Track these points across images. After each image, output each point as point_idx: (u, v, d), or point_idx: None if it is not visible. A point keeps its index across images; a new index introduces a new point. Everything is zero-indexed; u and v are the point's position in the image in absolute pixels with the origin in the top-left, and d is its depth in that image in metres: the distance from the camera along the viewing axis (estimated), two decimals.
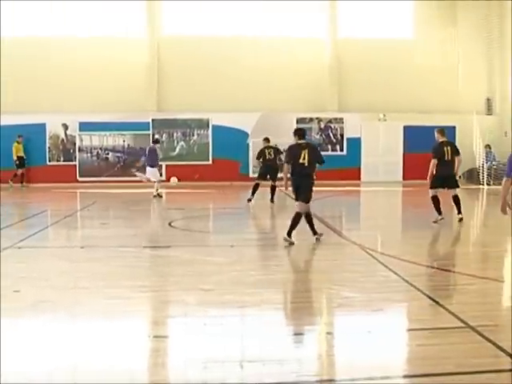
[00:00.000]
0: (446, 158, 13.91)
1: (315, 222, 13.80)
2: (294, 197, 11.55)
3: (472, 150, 26.09)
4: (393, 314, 7.19)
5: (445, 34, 27.14)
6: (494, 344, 5.72)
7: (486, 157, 25.62)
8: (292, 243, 10.94)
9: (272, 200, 18.48)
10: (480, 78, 27.78)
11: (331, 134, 25.87)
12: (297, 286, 8.12)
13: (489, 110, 27.97)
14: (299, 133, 11.65)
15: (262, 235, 12.65)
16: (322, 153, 19.83)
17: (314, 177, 11.43)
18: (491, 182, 24.57)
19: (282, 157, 16.18)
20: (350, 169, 25.63)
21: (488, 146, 25.92)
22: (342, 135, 25.87)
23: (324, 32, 26.76)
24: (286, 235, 11.01)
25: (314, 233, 11.47)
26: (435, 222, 13.68)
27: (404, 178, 25.97)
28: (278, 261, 9.82)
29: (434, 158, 13.95)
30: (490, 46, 27.59)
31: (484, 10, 27.23)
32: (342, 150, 26.00)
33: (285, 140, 24.75)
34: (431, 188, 13.92)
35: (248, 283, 8.15)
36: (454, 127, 24.37)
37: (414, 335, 6.35)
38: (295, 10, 26.42)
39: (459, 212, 13.98)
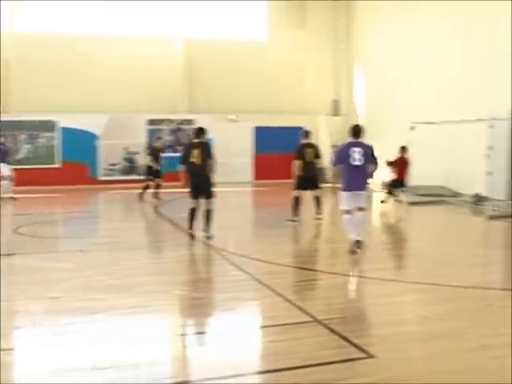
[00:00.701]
0: (307, 159, 14.20)
1: (166, 223, 13.78)
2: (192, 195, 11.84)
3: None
4: (245, 313, 7.32)
5: (295, 35, 27.76)
6: (340, 335, 5.99)
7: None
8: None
9: (140, 195, 18.98)
10: (327, 79, 28.72)
11: (182, 136, 25.84)
12: (148, 288, 8.05)
13: (335, 110, 29.00)
14: (194, 131, 12.35)
15: (111, 239, 12.40)
16: (173, 154, 19.92)
17: (211, 173, 11.84)
18: (338, 181, 25.44)
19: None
20: None
21: (335, 146, 26.83)
22: None
23: (175, 32, 26.66)
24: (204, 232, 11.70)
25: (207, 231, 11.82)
26: (289, 220, 13.94)
27: (255, 178, 26.39)
28: (129, 264, 9.68)
29: (295, 159, 14.23)
30: (336, 47, 28.57)
31: (332, 11, 28.18)
32: None
33: (136, 141, 24.60)
34: (295, 189, 14.14)
35: (98, 288, 8.01)
36: (303, 128, 25.02)
37: (266, 332, 6.51)
38: (146, 9, 26.17)
39: (318, 213, 14.37)
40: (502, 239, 13.33)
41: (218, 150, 25.96)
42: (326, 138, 26.09)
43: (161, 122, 25.61)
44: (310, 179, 14.13)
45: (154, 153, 19.49)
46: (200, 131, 12.16)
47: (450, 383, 4.93)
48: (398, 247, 12.26)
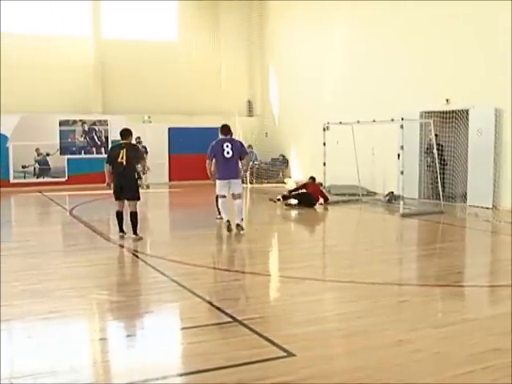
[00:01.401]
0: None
1: (82, 226, 13.53)
2: (115, 196, 11.98)
3: None
4: (164, 315, 7.27)
5: (208, 35, 27.72)
6: (260, 335, 6.02)
7: None
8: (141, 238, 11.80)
9: None
10: (242, 79, 28.88)
11: (95, 137, 25.40)
12: (64, 293, 7.87)
13: (250, 111, 29.18)
14: (121, 133, 12.15)
15: (25, 243, 12.08)
16: (87, 156, 19.53)
17: (136, 175, 12.29)
18: (254, 181, 25.62)
19: None
20: None
21: (250, 147, 26.96)
22: (106, 138, 25.45)
23: (87, 31, 26.21)
24: (133, 235, 11.81)
25: (135, 232, 11.86)
26: (217, 218, 14.04)
27: (170, 179, 26.23)
28: (45, 269, 9.45)
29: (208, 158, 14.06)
30: (250, 47, 28.71)
31: (245, 10, 28.27)
32: (106, 152, 25.47)
33: (48, 142, 24.02)
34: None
35: (13, 294, 7.77)
36: (218, 128, 25.02)
37: (186, 334, 6.47)
38: (58, 7, 25.62)
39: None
40: (414, 237, 13.73)
41: None
42: (241, 138, 26.15)
43: (74, 122, 25.07)
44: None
45: None
46: (125, 132, 12.10)
47: (369, 378, 5.03)
48: (314, 246, 12.40)
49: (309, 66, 24.59)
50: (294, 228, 15.30)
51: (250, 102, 29.26)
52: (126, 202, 12.02)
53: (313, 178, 18.09)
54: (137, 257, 10.47)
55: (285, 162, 26.82)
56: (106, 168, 12.05)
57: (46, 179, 23.96)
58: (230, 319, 6.61)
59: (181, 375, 5.28)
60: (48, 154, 24.11)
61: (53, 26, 25.69)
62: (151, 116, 26.38)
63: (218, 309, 7.02)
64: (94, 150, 25.10)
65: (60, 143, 24.49)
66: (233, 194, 12.72)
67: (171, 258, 10.12)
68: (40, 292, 7.92)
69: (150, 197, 21.49)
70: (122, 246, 11.33)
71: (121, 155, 11.69)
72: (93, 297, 7.83)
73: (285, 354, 5.52)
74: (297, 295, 7.78)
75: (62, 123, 24.63)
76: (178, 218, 16.81)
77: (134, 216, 11.86)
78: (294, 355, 5.48)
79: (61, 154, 24.35)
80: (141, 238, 11.77)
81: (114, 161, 11.77)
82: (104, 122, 25.57)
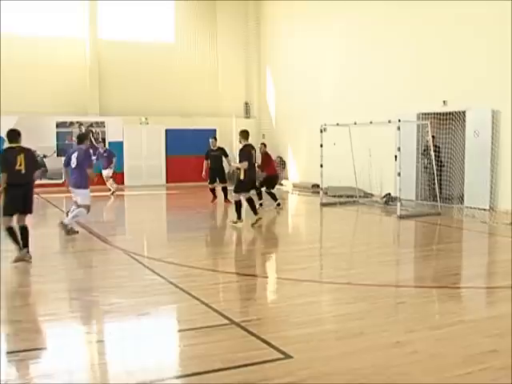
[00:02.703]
0: (253, 161, 14.01)
1: (78, 228, 13.47)
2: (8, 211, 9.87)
3: (232, 151, 27.02)
4: (161, 317, 7.24)
5: (205, 37, 27.78)
6: (258, 337, 6.01)
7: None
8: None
9: None
10: (239, 81, 28.88)
11: (93, 139, 25.37)
12: (61, 295, 7.86)
13: (247, 113, 29.17)
14: (9, 135, 10.03)
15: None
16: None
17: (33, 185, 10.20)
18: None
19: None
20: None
21: None
22: (103, 139, 25.49)
23: (84, 33, 26.17)
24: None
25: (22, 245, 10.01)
26: (234, 222, 14.01)
27: (167, 181, 26.22)
28: (38, 271, 9.42)
29: (243, 161, 13.68)
30: (247, 49, 28.75)
31: (242, 12, 28.35)
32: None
33: (45, 144, 23.99)
34: (236, 192, 13.95)
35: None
36: (215, 130, 25.10)
37: (182, 336, 6.45)
38: (53, 8, 25.59)
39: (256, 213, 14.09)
40: (411, 238, 13.72)
41: (129, 153, 25.92)
42: (238, 140, 26.17)
43: (70, 124, 25.08)
44: (254, 182, 14.34)
45: None
46: (14, 134, 10.02)
47: (366, 380, 5.02)
48: (311, 248, 12.38)
49: (306, 67, 24.59)
50: (290, 230, 15.28)
51: (247, 103, 29.25)
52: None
53: (264, 145, 18.56)
54: (134, 259, 10.45)
55: (282, 163, 26.80)
56: (4, 178, 9.68)
57: (43, 181, 23.89)
58: (228, 321, 6.60)
59: (178, 377, 5.27)
60: (45, 156, 24.06)
61: (50, 28, 25.64)
62: (148, 117, 26.37)
63: (216, 311, 7.01)
64: (90, 151, 25.02)
65: (57, 145, 24.46)
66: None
67: (168, 260, 10.10)
68: (36, 293, 7.90)
69: (148, 199, 21.49)
70: (119, 248, 11.30)
71: (18, 162, 9.67)
72: (89, 299, 7.81)
73: (282, 355, 5.51)
74: (294, 297, 7.77)
75: (58, 125, 24.65)
76: (175, 220, 16.78)
77: (27, 230, 9.99)
78: (291, 357, 5.46)
79: (58, 155, 24.30)
80: (30, 258, 9.91)
81: (11, 169, 9.65)
82: (101, 124, 25.58)
